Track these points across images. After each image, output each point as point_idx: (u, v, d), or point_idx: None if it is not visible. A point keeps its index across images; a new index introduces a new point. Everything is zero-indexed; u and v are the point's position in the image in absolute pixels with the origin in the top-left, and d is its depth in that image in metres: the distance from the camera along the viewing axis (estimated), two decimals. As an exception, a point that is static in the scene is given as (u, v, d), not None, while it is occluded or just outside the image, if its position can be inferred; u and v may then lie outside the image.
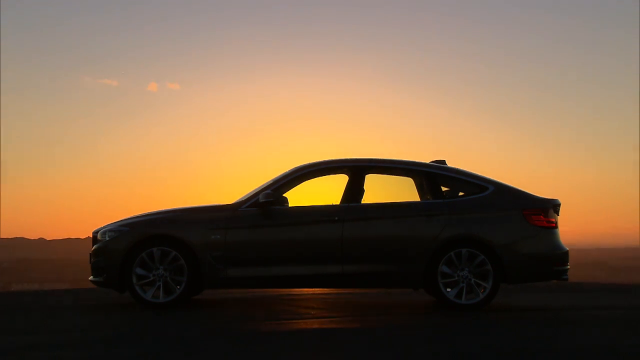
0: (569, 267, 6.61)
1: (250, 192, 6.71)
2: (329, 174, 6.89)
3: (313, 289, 8.71)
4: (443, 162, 7.02)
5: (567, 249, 6.63)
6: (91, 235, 6.79)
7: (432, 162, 6.98)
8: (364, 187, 6.67)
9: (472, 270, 6.34)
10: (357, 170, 6.72)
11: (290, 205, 6.70)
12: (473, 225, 6.42)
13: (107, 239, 6.47)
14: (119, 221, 6.64)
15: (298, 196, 6.77)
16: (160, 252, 6.33)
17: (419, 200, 6.89)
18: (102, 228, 6.62)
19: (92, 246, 6.64)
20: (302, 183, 6.77)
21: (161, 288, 6.36)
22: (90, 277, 6.63)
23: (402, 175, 7.06)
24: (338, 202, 6.55)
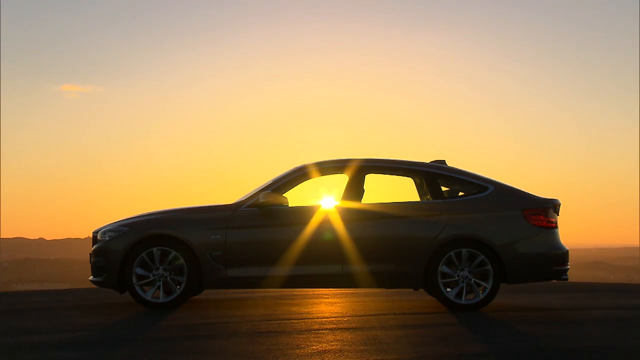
0: (569, 267, 6.61)
1: (250, 192, 6.71)
2: (329, 174, 6.89)
3: (313, 289, 8.70)
4: (443, 162, 7.02)
5: (567, 249, 6.63)
6: (91, 235, 6.80)
7: (432, 162, 6.98)
8: (364, 187, 6.67)
9: (472, 270, 6.34)
10: (357, 170, 6.72)
11: (290, 205, 6.70)
12: (473, 225, 6.42)
13: (107, 239, 6.47)
14: (119, 221, 6.64)
15: (298, 196, 6.78)
16: (160, 252, 6.34)
17: (419, 200, 6.90)
18: (102, 228, 6.62)
19: (92, 246, 6.65)
20: (302, 183, 6.77)
21: (161, 288, 6.37)
22: (90, 277, 6.63)
23: (402, 175, 7.06)
24: (338, 202, 6.56)
